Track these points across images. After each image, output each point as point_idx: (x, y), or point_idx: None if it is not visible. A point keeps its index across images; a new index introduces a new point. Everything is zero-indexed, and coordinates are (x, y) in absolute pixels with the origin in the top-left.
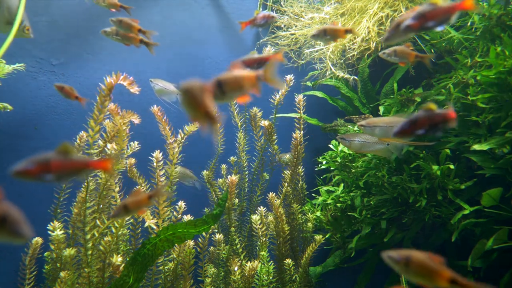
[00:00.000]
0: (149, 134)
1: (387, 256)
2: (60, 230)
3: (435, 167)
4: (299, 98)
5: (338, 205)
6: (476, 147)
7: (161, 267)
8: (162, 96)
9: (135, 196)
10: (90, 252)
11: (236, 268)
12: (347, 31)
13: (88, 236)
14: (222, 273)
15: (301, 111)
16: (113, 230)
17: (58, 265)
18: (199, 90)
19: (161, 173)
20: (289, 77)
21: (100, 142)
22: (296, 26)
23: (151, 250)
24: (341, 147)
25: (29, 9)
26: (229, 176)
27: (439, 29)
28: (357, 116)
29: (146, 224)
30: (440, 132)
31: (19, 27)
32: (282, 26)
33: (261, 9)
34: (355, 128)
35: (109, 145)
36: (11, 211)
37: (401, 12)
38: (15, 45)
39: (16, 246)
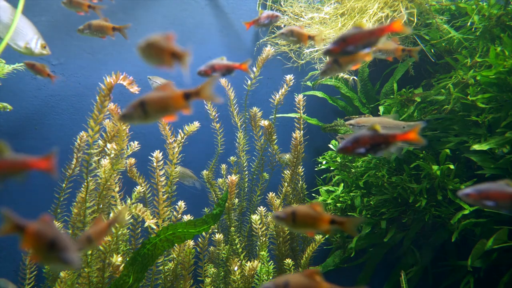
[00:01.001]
0: (149, 134)
1: (275, 216)
2: (60, 230)
3: (435, 167)
4: (299, 98)
5: (338, 205)
6: (476, 147)
7: (161, 267)
8: None
9: (96, 225)
10: (90, 252)
11: (236, 268)
12: (310, 37)
13: None
14: (222, 273)
15: (301, 111)
16: (113, 230)
17: None
18: (157, 39)
19: (161, 173)
20: (289, 77)
21: (100, 142)
22: (295, 26)
23: (151, 250)
24: None
25: (29, 9)
26: (229, 176)
27: (366, 51)
28: (357, 116)
29: (146, 224)
30: (381, 153)
31: (36, 46)
32: (282, 26)
33: (260, 9)
34: None
35: (109, 145)
36: (61, 236)
37: (401, 12)
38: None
39: (16, 246)
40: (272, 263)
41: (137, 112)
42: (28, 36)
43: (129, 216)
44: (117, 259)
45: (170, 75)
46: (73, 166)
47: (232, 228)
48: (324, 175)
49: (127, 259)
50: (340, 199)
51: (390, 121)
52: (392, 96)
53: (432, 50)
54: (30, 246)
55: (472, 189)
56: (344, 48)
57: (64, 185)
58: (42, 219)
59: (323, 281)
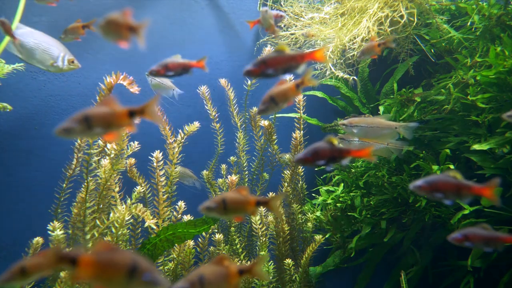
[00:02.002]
0: (149, 134)
1: (205, 207)
2: (60, 230)
3: (435, 167)
4: (299, 98)
5: (338, 205)
6: (476, 147)
7: (161, 267)
8: (159, 91)
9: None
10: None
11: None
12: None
13: (88, 236)
14: None
15: (301, 111)
16: (113, 230)
17: None
18: (115, 16)
19: (161, 173)
20: (289, 77)
21: (100, 142)
22: (296, 26)
23: (151, 250)
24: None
25: (29, 9)
26: (229, 176)
27: (286, 76)
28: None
29: (146, 224)
30: (331, 167)
31: (63, 63)
32: (282, 26)
33: (261, 9)
34: None
35: (109, 145)
36: (140, 260)
37: (401, 12)
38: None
39: (16, 246)
40: (272, 263)
41: (80, 127)
42: (54, 55)
43: (129, 216)
44: None
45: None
46: (74, 166)
47: (232, 228)
48: (324, 175)
49: None
50: (340, 199)
51: (383, 122)
52: (392, 96)
53: (432, 50)
54: (94, 277)
55: (423, 181)
56: (263, 71)
57: (64, 185)
58: (102, 244)
59: (231, 263)
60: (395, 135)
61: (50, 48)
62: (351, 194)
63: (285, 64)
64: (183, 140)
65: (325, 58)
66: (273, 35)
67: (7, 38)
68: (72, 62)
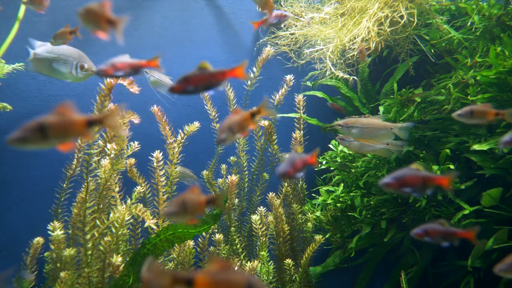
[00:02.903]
0: (149, 134)
1: (167, 213)
2: (60, 230)
3: (435, 167)
4: (299, 98)
5: (338, 205)
6: (476, 147)
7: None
8: (157, 88)
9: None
10: (90, 252)
11: (236, 268)
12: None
13: (88, 236)
14: None
15: (301, 111)
16: (113, 230)
17: (58, 265)
18: (94, 6)
19: (161, 173)
20: (289, 77)
21: (100, 142)
22: (296, 26)
23: (151, 250)
24: (341, 147)
25: (30, 9)
26: (229, 176)
27: (210, 93)
28: (357, 116)
29: (146, 224)
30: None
31: (77, 72)
32: (282, 26)
33: (260, 9)
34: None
35: (109, 145)
36: (254, 279)
37: (401, 12)
38: (15, 45)
39: (16, 246)
40: (272, 263)
41: (34, 136)
42: (71, 64)
43: (129, 216)
44: (117, 259)
45: (165, 68)
46: (74, 166)
47: (232, 228)
48: (324, 175)
49: (127, 259)
50: (340, 199)
51: (378, 122)
52: (392, 96)
53: (432, 50)
54: None
55: (390, 177)
56: (185, 88)
57: (64, 185)
58: (216, 263)
59: (200, 192)
60: (390, 135)
61: (68, 59)
62: (351, 194)
63: (207, 82)
64: (183, 140)
65: (245, 76)
66: (273, 35)
67: (9, 39)
68: (82, 68)
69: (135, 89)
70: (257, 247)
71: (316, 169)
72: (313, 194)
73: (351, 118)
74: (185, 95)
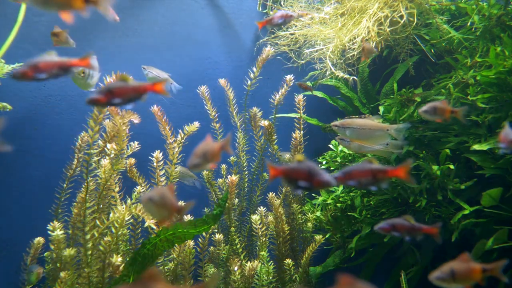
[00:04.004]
0: (149, 134)
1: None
2: (60, 230)
3: (435, 167)
4: (299, 98)
5: (338, 205)
6: (476, 147)
7: (161, 267)
8: None
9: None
10: (90, 252)
11: (236, 268)
12: None
13: (88, 236)
14: (222, 273)
15: (301, 111)
16: (113, 230)
17: (58, 265)
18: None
19: (161, 173)
20: (289, 77)
21: (100, 142)
22: (296, 26)
23: (151, 250)
24: (341, 147)
25: (30, 10)
26: (229, 176)
27: (128, 107)
28: (357, 116)
29: (146, 224)
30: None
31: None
32: (282, 26)
33: (260, 9)
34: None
35: (109, 145)
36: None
37: (400, 12)
38: (14, 45)
39: (17, 246)
40: (272, 263)
41: None
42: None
43: (129, 216)
44: (117, 259)
45: (165, 67)
46: (74, 166)
47: (232, 228)
48: None
49: (127, 259)
50: (340, 199)
51: (374, 124)
52: (392, 96)
53: (432, 50)
54: None
55: (340, 172)
56: (110, 100)
57: (64, 185)
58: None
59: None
60: (386, 137)
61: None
62: (351, 194)
63: (130, 94)
64: (183, 140)
65: (165, 92)
66: (273, 35)
67: (9, 39)
68: (83, 73)
69: None
70: (257, 247)
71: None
72: (313, 194)
73: (347, 119)
74: (106, 107)
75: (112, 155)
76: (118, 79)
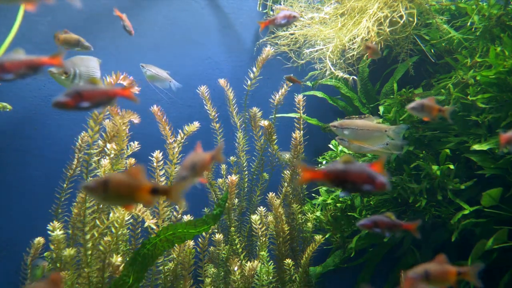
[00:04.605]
0: (149, 134)
1: (84, 187)
2: (60, 230)
3: (435, 167)
4: (299, 98)
5: (338, 205)
6: (476, 147)
7: (161, 267)
8: (154, 82)
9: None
10: (90, 252)
11: (236, 268)
12: None
13: (88, 236)
14: (222, 273)
15: (301, 111)
16: (113, 230)
17: (58, 265)
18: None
19: (161, 173)
20: (288, 75)
21: (100, 142)
22: (295, 26)
23: (151, 250)
24: (341, 147)
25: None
26: (229, 176)
27: (99, 110)
28: (357, 116)
29: (146, 224)
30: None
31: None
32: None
33: (261, 9)
34: None
35: (108, 145)
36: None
37: (400, 12)
38: (14, 45)
39: (17, 246)
40: (272, 263)
41: None
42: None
43: (129, 216)
44: (117, 259)
45: (164, 67)
46: (74, 166)
47: (232, 228)
48: None
49: (127, 259)
50: (340, 199)
51: (372, 124)
52: (392, 96)
53: (432, 50)
54: None
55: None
56: (78, 103)
57: (64, 185)
58: None
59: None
60: (384, 138)
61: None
62: (351, 194)
63: (99, 98)
64: (183, 140)
65: (133, 97)
66: (273, 35)
67: (9, 39)
68: (66, 73)
69: (134, 89)
70: (257, 247)
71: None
72: (313, 194)
73: (346, 119)
74: (74, 111)
75: (112, 155)
76: (88, 83)
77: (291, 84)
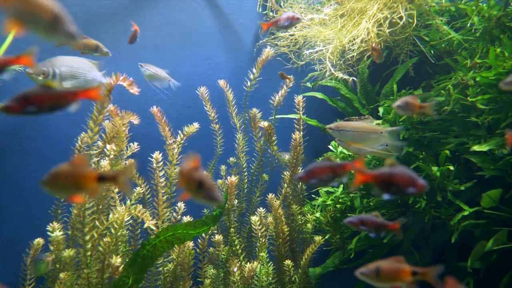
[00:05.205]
0: (148, 135)
1: (40, 182)
2: (60, 231)
3: (434, 168)
4: (299, 99)
5: (338, 206)
6: (476, 148)
7: (160, 268)
8: (153, 82)
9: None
10: (89, 253)
11: (235, 269)
12: None
13: (88, 237)
14: (222, 274)
15: (301, 112)
16: (113, 231)
17: (58, 266)
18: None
19: (161, 174)
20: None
21: (100, 143)
22: (295, 27)
23: (150, 251)
24: (340, 148)
25: None
26: (228, 177)
27: (71, 107)
28: (357, 117)
29: (146, 225)
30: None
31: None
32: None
33: (260, 10)
34: None
35: (108, 146)
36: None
37: (400, 13)
38: (14, 46)
39: (16, 246)
40: (272, 264)
41: None
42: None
43: (129, 217)
44: (117, 260)
45: (164, 68)
46: None
47: (232, 229)
48: None
49: (127, 260)
50: (340, 200)
51: (368, 126)
52: (392, 97)
53: (432, 51)
54: None
55: (302, 172)
56: (25, 108)
57: None
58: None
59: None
60: (380, 139)
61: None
62: (351, 195)
63: (53, 102)
64: (182, 141)
65: (100, 97)
66: (273, 36)
67: (8, 39)
68: (43, 74)
69: (134, 90)
70: (256, 248)
71: None
72: (312, 195)
73: (341, 121)
74: (25, 115)
75: (111, 156)
76: (41, 86)
77: (290, 84)
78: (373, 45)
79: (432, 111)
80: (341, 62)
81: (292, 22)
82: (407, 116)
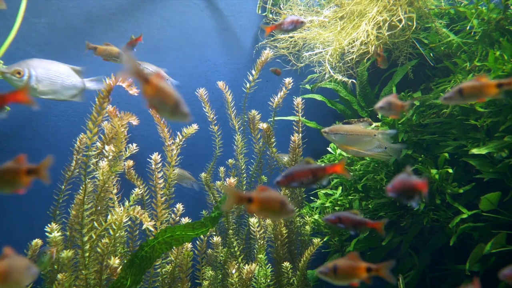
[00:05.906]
0: (147, 136)
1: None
2: (58, 232)
3: (433, 171)
4: (298, 101)
5: (337, 208)
6: (475, 151)
7: (158, 270)
8: None
9: None
10: (87, 254)
11: (233, 271)
12: None
13: (86, 238)
14: (220, 275)
15: (300, 114)
16: (111, 232)
17: (56, 267)
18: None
19: (160, 175)
20: (288, 80)
21: (98, 144)
22: None
23: (149, 253)
24: (339, 150)
25: (28, 11)
26: (227, 179)
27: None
28: (356, 120)
29: (144, 227)
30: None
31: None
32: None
33: (260, 11)
34: None
35: (107, 147)
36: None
37: (399, 16)
38: (13, 46)
39: (15, 247)
40: (270, 266)
41: None
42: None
43: (127, 218)
44: (115, 261)
45: (162, 66)
46: (72, 168)
47: (230, 231)
48: None
49: (125, 261)
50: (339, 202)
51: (362, 129)
52: None
53: (431, 54)
54: None
55: (280, 176)
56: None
57: (63, 187)
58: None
59: None
60: (373, 142)
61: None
62: (350, 197)
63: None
64: (181, 143)
65: (28, 100)
66: (272, 38)
67: (8, 40)
68: (19, 73)
69: (134, 91)
70: (255, 250)
71: None
72: (311, 197)
73: (335, 125)
74: None
75: (110, 157)
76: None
77: (289, 85)
78: (378, 50)
79: (410, 108)
80: (341, 64)
81: (297, 25)
82: (406, 118)
